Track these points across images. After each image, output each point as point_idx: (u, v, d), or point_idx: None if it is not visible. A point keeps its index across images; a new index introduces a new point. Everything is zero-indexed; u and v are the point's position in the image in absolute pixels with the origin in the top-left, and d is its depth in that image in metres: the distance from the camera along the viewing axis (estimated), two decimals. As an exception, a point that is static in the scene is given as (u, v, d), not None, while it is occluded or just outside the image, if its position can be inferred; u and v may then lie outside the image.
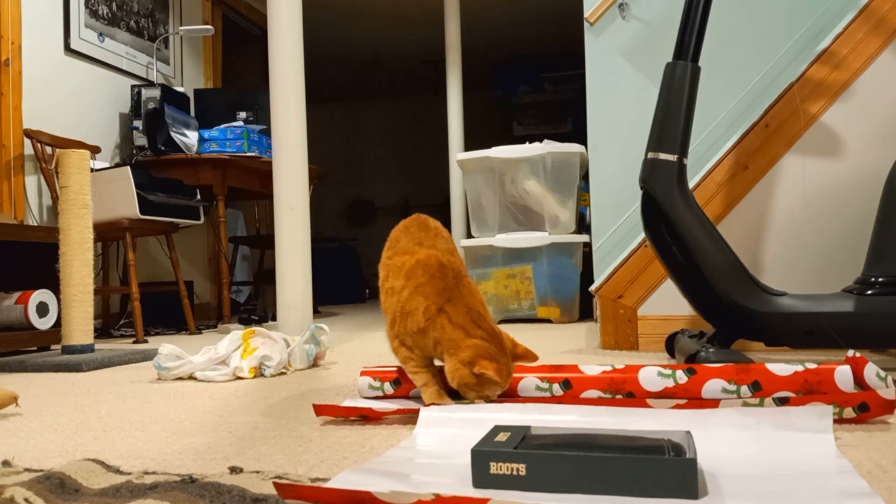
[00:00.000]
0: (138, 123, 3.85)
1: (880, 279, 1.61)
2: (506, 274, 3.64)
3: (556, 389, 1.32)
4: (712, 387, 1.26)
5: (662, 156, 1.71)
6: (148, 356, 2.39)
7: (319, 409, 1.24)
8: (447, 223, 5.36)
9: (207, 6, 4.92)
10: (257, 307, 4.90)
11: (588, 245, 3.72)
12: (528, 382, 1.33)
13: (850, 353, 1.28)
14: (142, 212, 3.26)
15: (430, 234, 1.40)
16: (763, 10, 2.18)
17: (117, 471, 0.91)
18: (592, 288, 2.29)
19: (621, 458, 0.76)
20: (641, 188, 1.75)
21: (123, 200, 3.24)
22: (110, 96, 4.01)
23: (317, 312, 4.86)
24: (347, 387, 1.65)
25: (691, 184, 2.14)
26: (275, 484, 0.74)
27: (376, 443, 1.07)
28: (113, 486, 0.83)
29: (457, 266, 1.33)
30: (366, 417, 1.26)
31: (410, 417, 1.24)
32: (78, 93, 3.77)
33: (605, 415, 1.06)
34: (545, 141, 3.68)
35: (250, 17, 5.49)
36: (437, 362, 1.32)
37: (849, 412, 1.10)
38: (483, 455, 0.81)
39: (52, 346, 2.76)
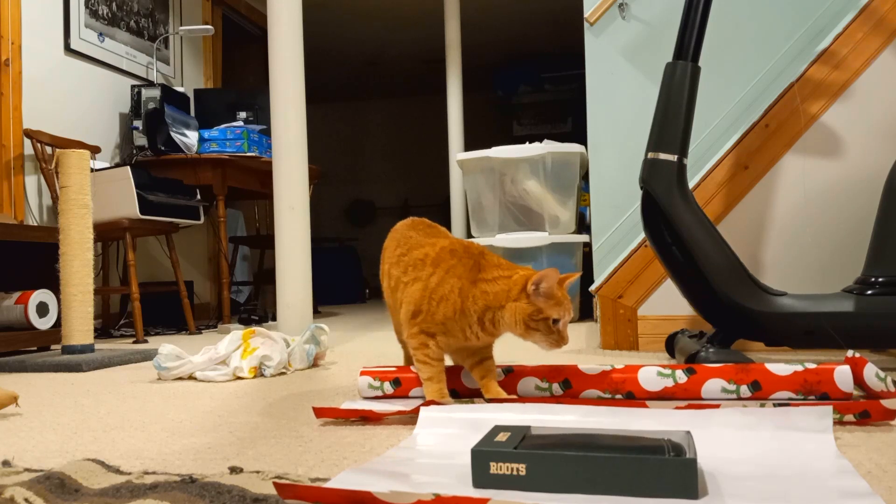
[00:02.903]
0: (138, 123, 3.85)
1: (880, 279, 1.61)
2: (506, 274, 3.64)
3: (556, 389, 1.32)
4: (712, 387, 1.26)
5: (662, 156, 1.71)
6: (148, 356, 2.39)
7: (319, 412, 1.24)
8: (447, 223, 5.37)
9: (207, 6, 4.92)
10: (257, 307, 4.90)
11: (588, 245, 3.72)
12: (528, 382, 1.33)
13: (850, 353, 1.28)
14: (142, 212, 3.26)
15: (439, 232, 1.42)
16: (763, 10, 2.18)
17: (117, 471, 0.91)
18: (592, 288, 2.29)
19: (621, 458, 0.76)
20: (641, 188, 1.75)
21: (123, 200, 3.24)
22: (110, 96, 4.01)
23: (317, 312, 4.86)
24: (347, 387, 1.65)
25: (691, 184, 2.14)
26: (275, 484, 0.74)
27: (376, 443, 1.07)
28: (113, 486, 0.83)
29: (477, 245, 1.34)
30: (366, 418, 1.25)
31: (411, 417, 1.24)
32: (78, 93, 3.77)
33: (605, 415, 1.06)
34: (545, 141, 3.68)
35: (250, 17, 5.49)
36: (448, 361, 1.32)
37: (849, 417, 1.10)
38: (483, 455, 0.81)
39: (52, 346, 2.76)
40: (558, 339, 1.19)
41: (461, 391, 1.37)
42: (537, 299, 1.18)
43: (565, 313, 1.19)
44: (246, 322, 4.03)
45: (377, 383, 1.40)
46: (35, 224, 3.36)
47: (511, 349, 2.24)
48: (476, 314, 1.23)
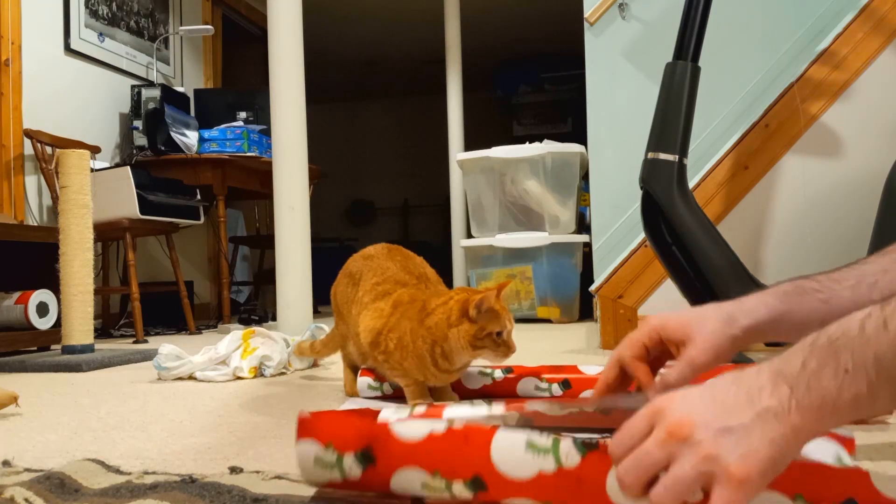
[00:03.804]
0: (138, 123, 3.85)
1: (880, 279, 1.61)
2: (506, 274, 3.64)
3: (556, 389, 1.32)
4: (712, 387, 1.26)
5: (662, 156, 1.71)
6: (148, 356, 2.39)
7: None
8: (447, 223, 5.36)
9: (207, 6, 4.92)
10: (257, 307, 4.90)
11: (588, 245, 3.72)
12: (528, 382, 1.33)
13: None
14: (142, 212, 3.26)
15: (395, 259, 1.45)
16: (763, 10, 2.18)
17: (117, 471, 0.91)
18: (592, 288, 2.29)
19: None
20: (641, 188, 1.75)
21: (123, 200, 3.24)
22: (110, 96, 4.01)
23: (317, 312, 4.86)
24: (347, 387, 1.65)
25: (691, 184, 2.14)
26: (299, 418, 0.74)
27: (376, 443, 1.07)
28: (113, 486, 0.83)
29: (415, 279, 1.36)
30: (365, 417, 1.25)
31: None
32: (78, 93, 3.77)
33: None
34: (545, 141, 3.68)
35: (250, 17, 5.48)
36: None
37: None
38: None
39: (52, 346, 2.76)
40: (506, 350, 1.21)
41: (461, 393, 1.37)
42: (480, 318, 1.18)
43: (507, 323, 1.20)
44: (246, 322, 4.03)
45: (376, 384, 1.40)
46: (35, 224, 3.36)
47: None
48: (428, 353, 1.22)
